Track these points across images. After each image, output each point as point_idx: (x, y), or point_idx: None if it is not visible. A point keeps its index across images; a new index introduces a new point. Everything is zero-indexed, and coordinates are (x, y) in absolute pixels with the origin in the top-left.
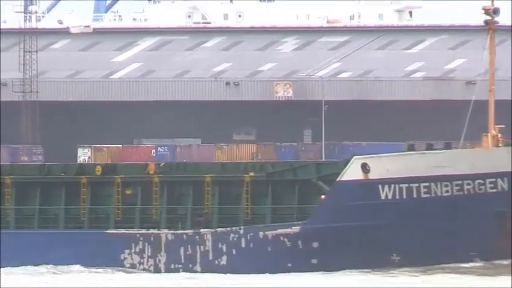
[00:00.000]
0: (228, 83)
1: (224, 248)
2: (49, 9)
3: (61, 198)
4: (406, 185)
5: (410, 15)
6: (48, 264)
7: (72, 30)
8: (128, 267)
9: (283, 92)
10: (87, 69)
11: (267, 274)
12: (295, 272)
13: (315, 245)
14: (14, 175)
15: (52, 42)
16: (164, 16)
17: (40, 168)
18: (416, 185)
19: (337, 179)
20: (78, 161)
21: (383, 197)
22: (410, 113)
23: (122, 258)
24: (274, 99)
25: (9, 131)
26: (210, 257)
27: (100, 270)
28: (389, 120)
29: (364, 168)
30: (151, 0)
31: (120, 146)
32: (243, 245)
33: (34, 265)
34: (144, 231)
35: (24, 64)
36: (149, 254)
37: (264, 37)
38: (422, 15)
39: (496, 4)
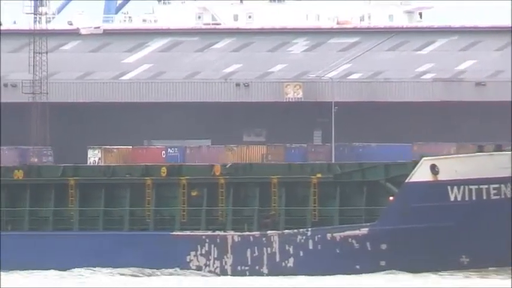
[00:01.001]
0: (238, 84)
1: (291, 249)
2: (59, 10)
3: (126, 199)
4: (476, 186)
5: (421, 17)
6: (112, 266)
7: (82, 32)
8: (194, 269)
9: (293, 93)
10: (97, 71)
11: (334, 276)
12: (363, 273)
13: (383, 246)
14: (78, 176)
15: (62, 43)
16: (174, 17)
17: (105, 169)
18: (486, 186)
19: (406, 181)
20: (88, 163)
21: (452, 198)
22: (420, 114)
23: (188, 260)
24: (284, 100)
25: (19, 132)
26: (277, 259)
27: (166, 272)
28: (399, 121)
29: (433, 169)
30: (161, 1)
31: (130, 147)
32: (311, 247)
33: (100, 267)
34: (210, 233)
35: (34, 65)
36: (215, 256)
37: (274, 38)
38: (433, 17)
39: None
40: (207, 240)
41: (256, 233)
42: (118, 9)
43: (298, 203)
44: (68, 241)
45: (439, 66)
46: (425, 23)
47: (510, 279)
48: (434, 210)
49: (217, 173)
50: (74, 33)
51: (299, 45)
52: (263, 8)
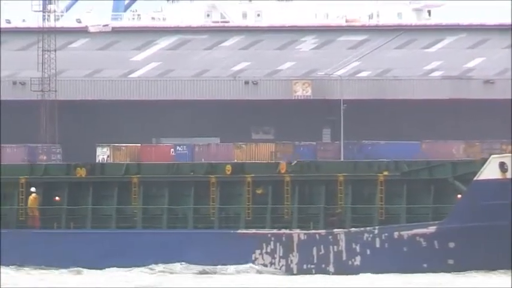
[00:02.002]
0: (246, 82)
1: (358, 248)
2: (68, 8)
3: (190, 197)
4: None
5: (429, 14)
6: (179, 263)
7: (91, 29)
8: (259, 268)
9: (302, 91)
10: (105, 68)
11: (402, 274)
12: (430, 272)
13: (452, 245)
14: (141, 174)
15: (71, 41)
16: (183, 15)
17: (168, 167)
18: None
19: (475, 178)
20: (97, 160)
21: None
22: (429, 112)
23: (253, 258)
24: (293, 98)
25: (28, 130)
26: (344, 258)
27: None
28: (407, 119)
29: (502, 167)
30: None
31: (139, 145)
32: (378, 245)
33: (164, 263)
34: (275, 231)
35: (42, 63)
36: (281, 254)
37: (283, 36)
38: (441, 14)
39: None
40: (273, 239)
41: (322, 231)
42: (126, 8)
43: (364, 201)
44: (132, 239)
45: (447, 64)
46: (433, 20)
47: (510, 279)
48: (503, 208)
49: (283, 171)
50: (82, 31)
51: (308, 43)
52: (272, 6)
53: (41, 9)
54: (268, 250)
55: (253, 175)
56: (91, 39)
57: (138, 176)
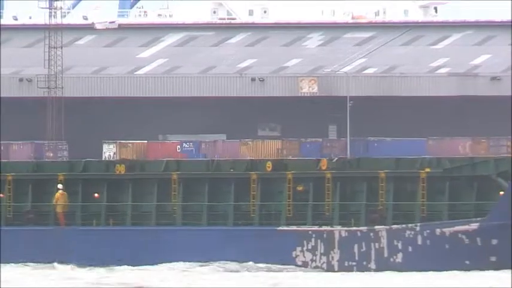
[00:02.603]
0: (253, 79)
1: (400, 245)
2: (74, 5)
3: (230, 194)
4: None
5: (436, 11)
6: (218, 260)
7: (97, 26)
8: (300, 265)
9: (308, 88)
10: (112, 65)
11: (444, 272)
12: (472, 269)
13: (494, 242)
14: (181, 171)
15: (77, 38)
16: (189, 12)
17: (208, 164)
18: None
19: None
20: (103, 157)
21: None
22: (435, 109)
23: (294, 255)
24: (299, 95)
25: (34, 127)
26: (385, 255)
27: (274, 267)
28: (413, 116)
29: None
30: None
31: (145, 141)
32: (420, 242)
33: (202, 262)
34: (316, 227)
35: (49, 60)
36: (322, 252)
37: (289, 33)
38: (448, 11)
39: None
40: (314, 236)
41: (364, 228)
42: (133, 5)
43: (406, 198)
44: (171, 236)
45: (454, 60)
46: (440, 17)
47: (510, 279)
48: None
49: (324, 167)
50: (89, 28)
51: (314, 40)
52: (278, 3)
53: (48, 6)
54: (309, 247)
55: (294, 172)
56: (97, 36)
57: (178, 172)
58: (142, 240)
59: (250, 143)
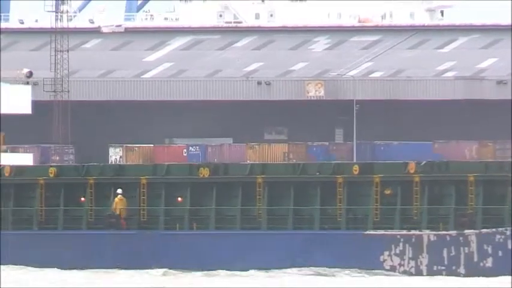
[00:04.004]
0: (259, 83)
1: (490, 249)
2: (80, 9)
3: (316, 197)
4: None
5: (442, 15)
6: (303, 266)
7: (104, 30)
8: (387, 270)
9: (315, 92)
10: (118, 69)
11: None
12: None
13: None
14: (265, 174)
15: (83, 41)
16: (196, 15)
17: (294, 167)
18: None
19: None
20: (109, 161)
21: None
22: (442, 112)
23: (381, 260)
24: (306, 98)
25: (40, 131)
26: (475, 259)
27: (359, 273)
28: (420, 119)
29: None
30: (183, 0)
31: (152, 145)
32: (510, 247)
33: (290, 267)
34: (404, 232)
35: (55, 63)
36: (410, 256)
37: (296, 36)
38: (454, 15)
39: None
40: (402, 240)
41: (453, 232)
42: (139, 8)
43: (495, 202)
44: (257, 240)
45: (460, 64)
46: (446, 21)
47: (510, 279)
48: None
49: (412, 171)
50: (95, 32)
51: (320, 43)
52: (284, 7)
53: (54, 9)
54: (397, 251)
55: (381, 175)
56: (104, 40)
57: (262, 176)
58: (227, 244)
59: (256, 146)
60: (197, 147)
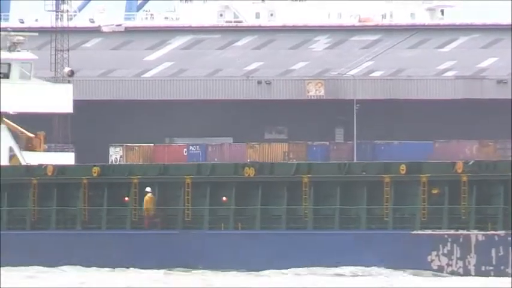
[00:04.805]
0: (259, 82)
1: None
2: (80, 8)
3: (362, 197)
4: None
5: (442, 14)
6: (351, 265)
7: (104, 29)
8: (435, 270)
9: (315, 91)
10: (118, 68)
11: None
12: None
13: None
14: (312, 174)
15: (84, 41)
16: (196, 15)
17: (340, 166)
18: None
19: None
20: (110, 161)
21: None
22: (442, 112)
23: (429, 260)
24: (306, 98)
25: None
26: None
27: (407, 272)
28: (420, 119)
29: None
30: None
31: (152, 145)
32: None
33: (337, 266)
34: (452, 231)
35: (55, 63)
36: (458, 256)
37: (296, 36)
38: (454, 14)
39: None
40: (450, 240)
41: (502, 232)
42: (139, 7)
43: None
44: (303, 240)
45: (460, 63)
46: (446, 20)
47: (510, 279)
48: None
49: (460, 170)
50: (95, 31)
51: (321, 43)
52: (285, 6)
53: (54, 9)
54: (445, 251)
55: (428, 175)
56: (104, 39)
57: (308, 175)
58: (273, 244)
59: (257, 146)
60: (197, 146)
